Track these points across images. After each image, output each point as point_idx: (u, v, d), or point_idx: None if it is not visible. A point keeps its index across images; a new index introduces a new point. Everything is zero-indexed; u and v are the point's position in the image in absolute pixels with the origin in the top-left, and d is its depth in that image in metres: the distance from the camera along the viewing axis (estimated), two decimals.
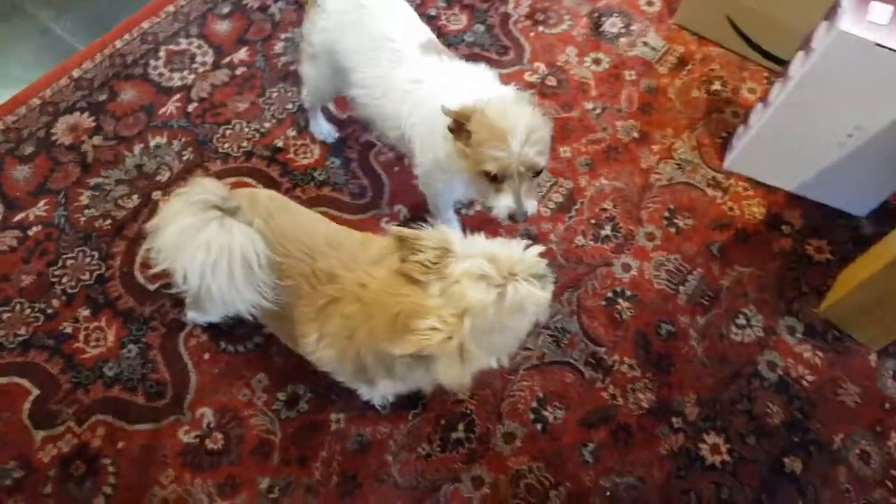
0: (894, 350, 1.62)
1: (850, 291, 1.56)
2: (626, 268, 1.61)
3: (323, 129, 1.65)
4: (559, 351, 1.49)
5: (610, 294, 1.57)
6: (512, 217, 1.24)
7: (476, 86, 1.25)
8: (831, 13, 1.43)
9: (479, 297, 0.95)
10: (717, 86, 1.90)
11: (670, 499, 1.37)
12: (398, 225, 1.48)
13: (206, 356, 1.39)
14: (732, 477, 1.41)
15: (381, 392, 1.21)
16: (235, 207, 1.05)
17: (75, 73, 1.68)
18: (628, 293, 1.58)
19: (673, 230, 1.67)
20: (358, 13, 1.33)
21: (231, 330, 1.42)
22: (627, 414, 1.45)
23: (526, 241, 1.01)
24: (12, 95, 1.63)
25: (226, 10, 1.82)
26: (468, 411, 1.41)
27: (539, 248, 1.02)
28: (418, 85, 1.30)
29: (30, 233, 1.49)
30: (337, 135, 1.66)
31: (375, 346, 1.03)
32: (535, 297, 0.98)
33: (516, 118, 1.17)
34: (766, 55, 1.91)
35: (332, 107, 1.70)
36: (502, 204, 1.23)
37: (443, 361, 0.97)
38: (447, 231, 1.02)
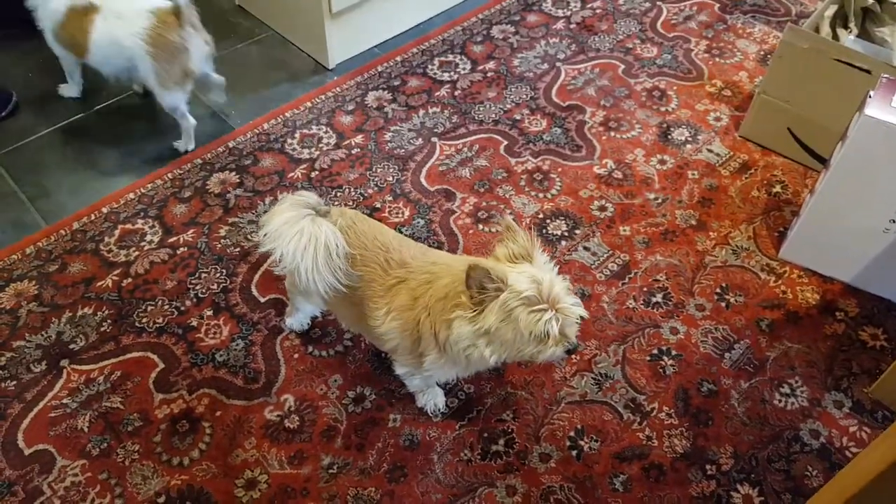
0: None
1: None
2: (674, 331, 1.91)
3: None
4: (600, 393, 1.78)
5: (655, 351, 1.86)
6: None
7: None
8: (862, 104, 1.79)
9: (524, 286, 1.32)
10: (777, 188, 2.26)
11: None
12: None
13: (296, 356, 1.83)
14: None
15: (427, 373, 1.54)
16: (326, 211, 1.52)
17: (230, 144, 2.36)
18: (674, 352, 1.86)
19: (723, 304, 1.96)
20: None
21: (319, 339, 1.87)
22: (661, 455, 1.68)
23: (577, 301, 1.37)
24: (181, 156, 2.33)
25: (350, 107, 2.49)
26: (509, 430, 1.71)
27: (583, 312, 1.37)
28: None
29: (178, 251, 2.07)
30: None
31: (434, 307, 1.40)
32: (553, 330, 1.32)
33: None
34: (825, 162, 2.26)
35: None
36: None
37: (460, 320, 1.34)
38: (536, 244, 1.40)
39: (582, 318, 1.38)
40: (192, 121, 2.32)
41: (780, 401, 1.77)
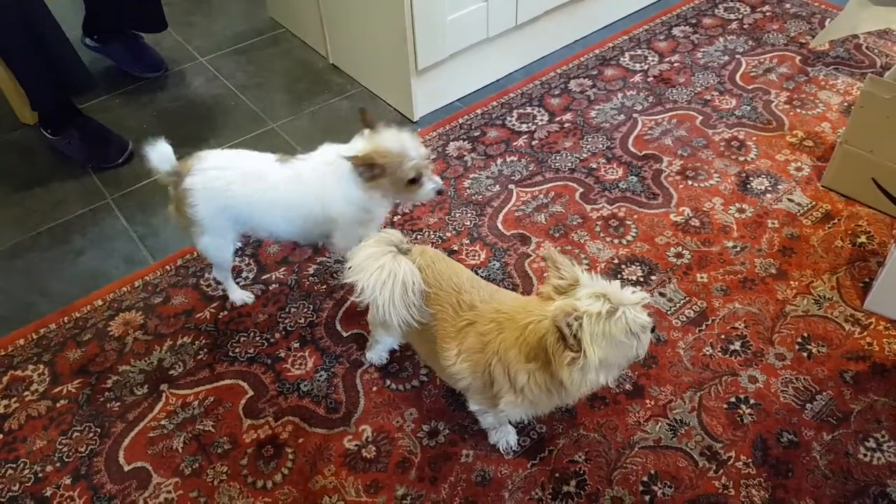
0: None
1: None
2: (753, 380, 1.88)
3: None
4: (675, 439, 1.77)
5: (733, 399, 1.84)
6: (440, 192, 1.90)
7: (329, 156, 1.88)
8: None
9: (596, 306, 1.36)
10: (862, 239, 2.20)
11: None
12: None
13: (374, 389, 1.92)
14: None
15: (502, 412, 1.58)
16: (408, 249, 1.61)
17: None
18: (752, 401, 1.83)
19: (805, 354, 1.92)
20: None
21: (396, 373, 1.95)
22: None
23: (633, 289, 1.43)
24: None
25: (432, 156, 2.62)
26: (581, 472, 1.72)
27: (645, 295, 1.44)
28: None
29: (270, 287, 2.22)
30: None
31: (505, 355, 1.46)
32: (641, 319, 1.39)
33: (396, 136, 1.80)
34: None
35: None
36: (429, 188, 1.87)
37: (571, 372, 1.38)
38: (578, 268, 1.46)
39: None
40: None
41: (865, 455, 1.71)
